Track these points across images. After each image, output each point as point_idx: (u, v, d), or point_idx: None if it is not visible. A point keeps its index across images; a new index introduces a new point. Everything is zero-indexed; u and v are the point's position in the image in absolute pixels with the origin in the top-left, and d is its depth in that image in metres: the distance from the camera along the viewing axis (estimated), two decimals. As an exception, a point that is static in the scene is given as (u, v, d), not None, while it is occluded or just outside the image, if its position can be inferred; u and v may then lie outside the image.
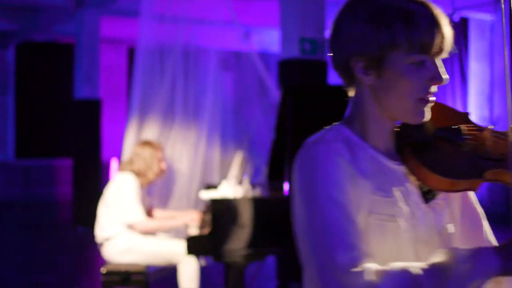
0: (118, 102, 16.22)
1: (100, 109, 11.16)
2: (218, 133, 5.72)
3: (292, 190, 1.44)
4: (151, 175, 5.09)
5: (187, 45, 5.84)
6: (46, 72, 15.91)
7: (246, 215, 4.38)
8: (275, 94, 6.54)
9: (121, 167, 5.16)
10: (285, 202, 4.43)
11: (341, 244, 1.33)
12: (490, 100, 12.41)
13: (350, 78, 1.53)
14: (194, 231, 4.89)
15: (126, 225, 4.99)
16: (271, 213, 4.41)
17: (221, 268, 5.67)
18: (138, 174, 5.06)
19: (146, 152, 5.10)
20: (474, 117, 12.25)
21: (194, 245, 4.40)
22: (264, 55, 10.59)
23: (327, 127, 1.56)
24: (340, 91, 4.75)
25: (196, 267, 5.04)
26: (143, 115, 5.47)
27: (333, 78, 8.20)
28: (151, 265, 5.06)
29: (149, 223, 5.01)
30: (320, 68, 6.57)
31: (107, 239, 5.04)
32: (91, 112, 11.05)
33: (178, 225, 5.08)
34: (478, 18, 12.43)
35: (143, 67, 5.46)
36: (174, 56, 5.70)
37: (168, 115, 5.54)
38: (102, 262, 5.22)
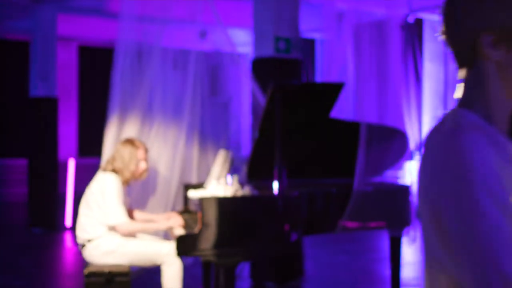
0: (69, 101, 15.95)
1: (56, 107, 10.93)
2: (197, 132, 5.66)
3: (425, 186, 1.33)
4: (127, 174, 4.99)
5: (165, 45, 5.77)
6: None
7: (237, 214, 4.35)
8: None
9: (102, 166, 5.06)
10: (276, 201, 4.42)
11: (510, 251, 1.18)
12: (444, 100, 12.66)
13: (470, 56, 1.41)
14: (178, 232, 4.83)
15: (108, 227, 4.90)
16: (262, 212, 4.38)
17: (198, 269, 5.64)
18: (117, 172, 4.98)
19: (126, 150, 5.00)
20: (428, 117, 12.46)
21: (184, 245, 4.33)
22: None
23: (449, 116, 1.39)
24: (328, 89, 4.75)
25: (180, 267, 4.97)
26: (123, 114, 5.37)
27: (305, 77, 8.24)
28: (134, 266, 4.98)
29: (132, 226, 4.93)
30: (295, 66, 6.58)
31: (88, 241, 4.93)
32: (47, 110, 10.81)
33: (162, 228, 5.01)
34: (433, 19, 12.66)
35: (122, 67, 5.37)
36: (152, 55, 5.62)
37: (147, 115, 5.46)
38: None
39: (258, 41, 6.57)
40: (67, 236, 10.35)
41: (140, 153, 5.03)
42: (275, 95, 4.63)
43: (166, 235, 5.28)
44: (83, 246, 4.99)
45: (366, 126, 5.15)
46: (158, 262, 4.97)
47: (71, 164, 11.26)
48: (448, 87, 12.63)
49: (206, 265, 5.45)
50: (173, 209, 5.46)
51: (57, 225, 10.88)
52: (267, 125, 4.90)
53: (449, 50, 1.47)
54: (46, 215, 10.81)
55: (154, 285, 5.19)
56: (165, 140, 5.53)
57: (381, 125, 5.37)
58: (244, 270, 6.61)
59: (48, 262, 8.49)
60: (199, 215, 4.68)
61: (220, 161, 5.15)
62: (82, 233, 4.97)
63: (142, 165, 5.07)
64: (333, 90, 4.79)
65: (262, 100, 5.67)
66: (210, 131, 6.02)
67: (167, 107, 5.67)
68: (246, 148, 15.31)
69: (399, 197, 5.27)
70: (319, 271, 7.30)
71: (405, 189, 5.31)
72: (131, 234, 4.96)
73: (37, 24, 10.68)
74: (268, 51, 6.44)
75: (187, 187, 5.61)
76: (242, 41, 15.81)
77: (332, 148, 5.16)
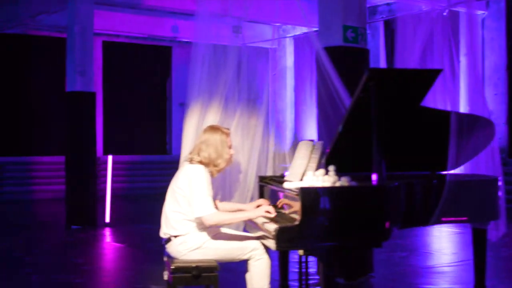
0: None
1: (94, 102, 10.77)
2: (274, 124, 5.54)
3: None
4: (222, 163, 4.80)
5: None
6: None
7: (339, 205, 4.19)
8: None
9: (188, 158, 4.86)
10: (378, 192, 4.26)
11: None
12: (482, 94, 12.45)
13: None
14: (268, 226, 4.64)
15: (197, 220, 4.72)
16: (364, 203, 4.22)
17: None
18: (208, 163, 4.79)
19: (217, 137, 4.80)
20: (464, 111, 12.26)
21: (285, 238, 4.15)
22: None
23: None
24: (424, 76, 4.57)
25: (268, 262, 4.82)
26: (202, 107, 5.23)
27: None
28: (221, 262, 4.81)
29: (220, 216, 4.71)
30: (363, 56, 6.43)
31: (175, 236, 4.77)
32: (85, 105, 10.65)
33: (251, 217, 4.79)
34: (470, 12, 12.46)
35: (202, 62, 5.25)
36: (227, 51, 5.52)
37: (228, 107, 5.32)
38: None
39: (324, 30, 6.39)
40: (107, 232, 10.22)
41: (229, 139, 4.85)
42: (369, 83, 4.46)
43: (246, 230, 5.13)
44: (167, 240, 4.83)
45: (456, 116, 4.99)
46: (245, 257, 4.81)
47: (110, 160, 11.11)
48: (484, 82, 12.45)
49: (284, 255, 5.28)
50: (251, 201, 5.31)
51: (96, 221, 10.74)
52: (357, 115, 4.75)
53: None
54: (85, 211, 10.67)
55: (241, 281, 5.03)
56: (243, 132, 5.38)
57: (469, 114, 5.20)
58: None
59: (98, 259, 8.35)
60: (298, 206, 4.51)
61: (303, 153, 4.99)
62: (168, 229, 4.81)
63: (232, 152, 4.89)
64: (429, 77, 4.63)
65: (339, 89, 5.52)
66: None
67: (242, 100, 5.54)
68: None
69: (488, 189, 5.11)
70: (384, 268, 7.14)
71: (494, 181, 5.15)
72: (219, 225, 4.80)
73: (74, 18, 10.53)
74: (335, 40, 6.27)
75: (262, 179, 5.46)
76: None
77: (421, 139, 5.00)
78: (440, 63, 12.31)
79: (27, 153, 15.47)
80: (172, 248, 4.81)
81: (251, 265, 4.81)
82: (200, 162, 4.77)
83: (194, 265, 4.66)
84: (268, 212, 4.64)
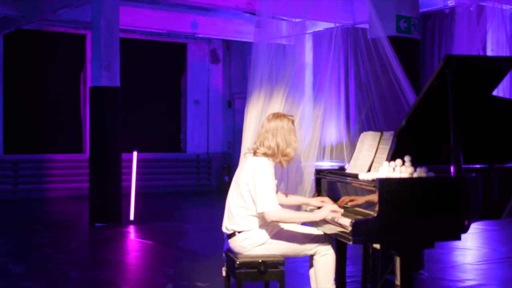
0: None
1: (119, 97, 10.57)
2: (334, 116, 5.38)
3: None
4: (292, 152, 4.56)
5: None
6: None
7: (417, 196, 4.02)
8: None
9: (253, 149, 4.66)
10: (457, 183, 4.08)
11: None
12: (510, 90, 12.31)
13: None
14: (342, 220, 4.43)
15: (260, 215, 4.53)
16: (443, 195, 4.04)
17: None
18: (274, 154, 4.55)
19: (284, 125, 4.54)
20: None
21: (361, 231, 3.98)
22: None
23: None
24: (501, 64, 4.37)
25: (333, 257, 4.65)
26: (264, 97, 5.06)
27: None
28: (285, 257, 4.62)
29: (283, 214, 4.45)
30: (415, 47, 6.26)
31: (239, 232, 4.58)
32: (110, 100, 10.46)
33: (315, 219, 4.55)
34: (497, 7, 12.29)
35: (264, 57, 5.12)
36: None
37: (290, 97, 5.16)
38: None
39: (377, 21, 6.21)
40: (131, 230, 10.04)
41: (294, 127, 4.65)
42: (446, 70, 4.29)
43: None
44: (231, 235, 4.64)
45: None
46: (310, 252, 4.63)
47: (134, 157, 10.92)
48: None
49: (366, 248, 5.11)
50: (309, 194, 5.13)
51: (121, 219, 10.55)
52: (427, 105, 4.57)
53: None
54: (109, 209, 10.48)
55: (306, 276, 4.86)
56: (304, 122, 5.21)
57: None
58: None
59: (132, 256, 8.19)
60: (363, 199, 4.35)
61: (369, 144, 4.81)
62: (232, 224, 4.62)
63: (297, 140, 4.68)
64: (506, 65, 4.46)
65: (402, 79, 5.35)
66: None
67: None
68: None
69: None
70: (427, 264, 6.96)
71: None
72: (281, 222, 4.62)
73: (100, 13, 10.34)
74: (389, 30, 6.10)
75: (319, 172, 5.28)
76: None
77: (492, 129, 4.82)
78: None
79: (41, 151, 15.27)
80: (235, 243, 4.63)
81: (317, 261, 4.63)
82: (264, 154, 4.56)
83: (260, 260, 4.48)
84: (334, 211, 4.45)
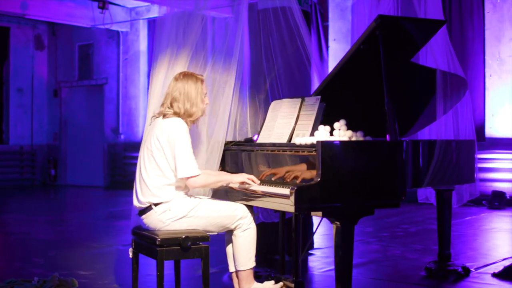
0: None
1: None
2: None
3: None
4: (198, 112, 4.21)
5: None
6: None
7: (361, 161, 3.80)
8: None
9: (160, 112, 4.22)
10: (400, 146, 3.92)
11: None
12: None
13: None
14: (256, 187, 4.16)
15: (180, 183, 4.12)
16: (388, 159, 3.86)
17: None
18: (182, 114, 4.17)
19: (191, 85, 4.19)
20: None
21: (303, 199, 3.67)
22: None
23: None
24: (427, 27, 4.30)
25: (255, 232, 4.32)
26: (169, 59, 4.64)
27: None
28: (207, 232, 4.22)
29: (208, 178, 4.19)
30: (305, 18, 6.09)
31: (155, 205, 4.12)
32: None
33: (238, 181, 4.24)
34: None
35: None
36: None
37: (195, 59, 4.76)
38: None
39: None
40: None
41: (204, 86, 4.27)
42: (377, 32, 4.13)
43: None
44: (145, 210, 4.16)
45: (441, 73, 4.81)
46: (232, 226, 4.27)
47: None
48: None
49: (283, 216, 4.80)
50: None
51: None
52: (351, 71, 4.41)
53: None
54: None
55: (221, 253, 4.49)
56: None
57: (451, 73, 5.00)
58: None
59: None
60: (309, 165, 4.05)
61: (286, 111, 4.54)
62: (146, 197, 4.14)
63: (207, 100, 4.33)
64: (434, 27, 4.40)
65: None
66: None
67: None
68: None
69: (466, 151, 4.99)
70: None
71: (472, 142, 5.05)
72: (205, 187, 4.25)
73: None
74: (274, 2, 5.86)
75: (225, 144, 4.92)
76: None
77: (410, 99, 4.76)
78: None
79: None
80: (151, 218, 4.16)
81: (237, 236, 4.28)
82: (175, 114, 4.18)
83: (183, 236, 4.05)
84: (251, 179, 4.21)
